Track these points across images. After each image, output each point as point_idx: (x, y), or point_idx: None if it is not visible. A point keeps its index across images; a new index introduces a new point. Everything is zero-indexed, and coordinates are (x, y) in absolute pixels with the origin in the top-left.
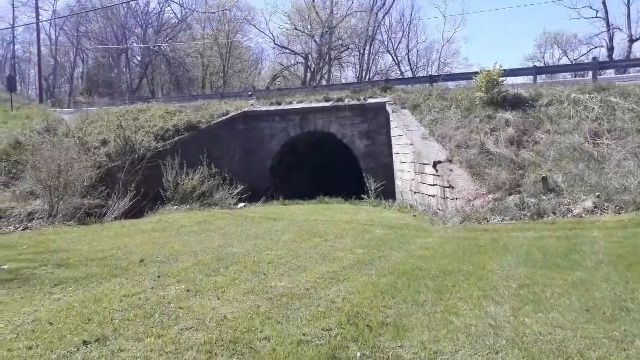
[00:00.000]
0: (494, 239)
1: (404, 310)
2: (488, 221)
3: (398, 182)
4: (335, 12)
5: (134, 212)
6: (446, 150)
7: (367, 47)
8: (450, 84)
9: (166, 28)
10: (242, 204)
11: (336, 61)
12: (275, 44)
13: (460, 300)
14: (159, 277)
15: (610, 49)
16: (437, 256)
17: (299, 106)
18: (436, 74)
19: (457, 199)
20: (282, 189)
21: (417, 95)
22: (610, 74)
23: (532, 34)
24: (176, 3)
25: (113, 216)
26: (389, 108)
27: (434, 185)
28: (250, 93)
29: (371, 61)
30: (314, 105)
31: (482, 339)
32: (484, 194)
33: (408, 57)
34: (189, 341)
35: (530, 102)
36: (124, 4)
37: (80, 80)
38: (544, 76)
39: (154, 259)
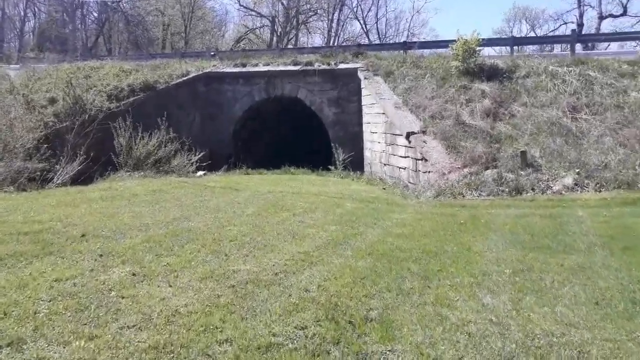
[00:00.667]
0: (473, 216)
1: (389, 301)
2: (464, 196)
3: (367, 153)
4: None
5: (84, 178)
6: (420, 120)
7: (336, 13)
8: (425, 52)
9: None
10: (201, 172)
11: (303, 26)
12: (240, 5)
13: (450, 288)
14: (100, 255)
15: (580, 25)
16: (416, 234)
17: (265, 68)
18: (410, 41)
19: (430, 172)
20: (245, 157)
21: (390, 62)
22: (578, 49)
23: (501, 7)
24: None
25: (59, 181)
26: (360, 74)
27: (405, 157)
28: (212, 53)
29: (339, 27)
30: (281, 68)
31: (486, 341)
32: (459, 167)
33: (377, 25)
34: (129, 345)
35: (507, 74)
36: None
37: (31, 35)
38: (516, 48)
39: (97, 233)
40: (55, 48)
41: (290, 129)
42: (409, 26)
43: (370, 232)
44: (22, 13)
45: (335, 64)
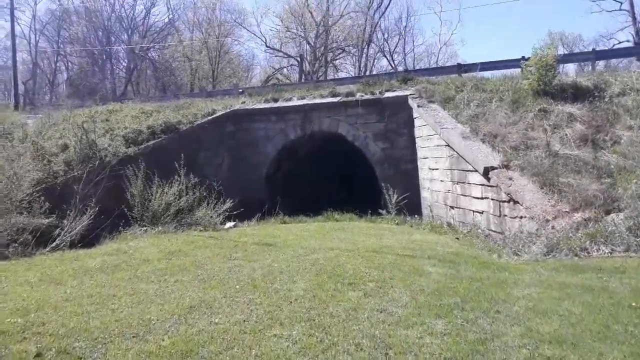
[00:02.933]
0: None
1: None
2: (589, 252)
3: (425, 194)
4: (330, 12)
5: (95, 235)
6: (498, 152)
7: (364, 50)
8: (485, 75)
9: (152, 32)
10: (230, 223)
11: (331, 64)
12: (267, 46)
13: None
14: None
15: (638, 44)
16: (581, 336)
17: (300, 102)
18: (465, 63)
19: (522, 217)
20: (281, 203)
21: (446, 87)
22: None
23: (531, 34)
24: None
25: (61, 241)
26: (412, 102)
27: (482, 198)
28: (241, 90)
29: (368, 64)
30: (318, 101)
31: None
32: (567, 212)
33: (404, 60)
34: None
35: (595, 92)
36: (107, 8)
37: (63, 87)
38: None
39: (65, 346)
40: (86, 98)
41: (331, 169)
42: (436, 60)
43: (504, 336)
44: (54, 65)
45: (380, 92)
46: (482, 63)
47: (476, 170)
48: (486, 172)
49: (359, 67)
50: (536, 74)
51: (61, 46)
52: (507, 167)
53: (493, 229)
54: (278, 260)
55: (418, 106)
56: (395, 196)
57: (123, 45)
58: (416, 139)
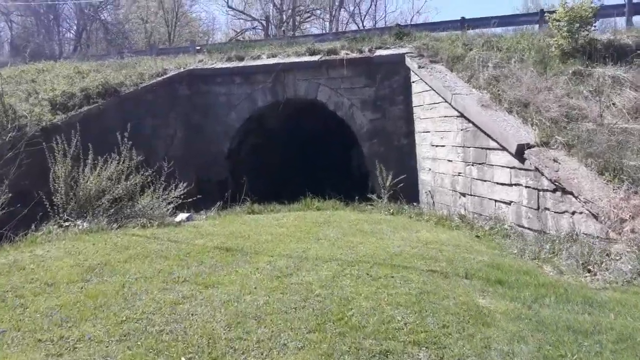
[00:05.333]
0: None
1: None
2: None
3: (424, 176)
4: None
5: (8, 228)
6: (530, 125)
7: (333, 14)
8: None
9: None
10: (183, 215)
11: (299, 29)
12: (229, 7)
13: None
14: None
15: None
16: None
17: (270, 61)
18: (470, 17)
19: (576, 212)
20: (247, 185)
21: (452, 44)
22: None
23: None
24: None
25: None
26: (410, 62)
27: (511, 184)
28: (199, 47)
29: (339, 30)
30: (293, 59)
31: None
32: None
33: (375, 27)
34: None
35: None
36: None
37: (6, 47)
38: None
39: None
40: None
41: (307, 144)
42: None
43: None
44: None
45: (370, 50)
46: (496, 17)
47: (503, 148)
48: (520, 151)
49: (330, 32)
50: (565, 29)
51: (1, 3)
52: (546, 144)
53: (527, 225)
54: (249, 285)
55: (419, 67)
56: (389, 178)
57: (70, 3)
58: (414, 109)
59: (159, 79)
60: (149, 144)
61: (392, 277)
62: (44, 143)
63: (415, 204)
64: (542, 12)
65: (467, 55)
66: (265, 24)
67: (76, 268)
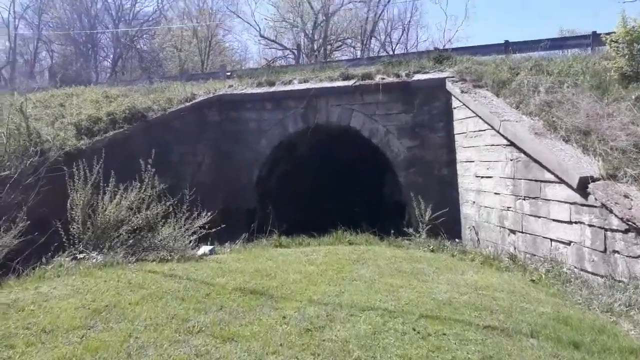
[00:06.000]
0: None
1: None
2: None
3: (467, 210)
4: (330, 3)
5: (24, 258)
6: (593, 156)
7: (365, 43)
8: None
9: (140, 20)
10: (206, 248)
11: (330, 58)
12: (261, 36)
13: None
14: None
15: None
16: None
17: (302, 86)
18: (514, 41)
19: None
20: (274, 215)
21: (496, 68)
22: None
23: (543, 30)
24: None
25: None
26: (452, 87)
27: (571, 222)
28: (229, 73)
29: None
30: (326, 84)
31: None
32: None
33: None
34: None
35: None
36: None
37: (46, 75)
38: None
39: None
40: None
41: (340, 172)
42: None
43: None
44: (33, 53)
45: (407, 74)
46: (544, 40)
47: (561, 181)
48: (583, 185)
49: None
50: (626, 50)
51: (43, 32)
52: (613, 177)
53: (590, 269)
54: (274, 340)
55: (462, 92)
56: (428, 211)
57: (108, 33)
58: (455, 136)
59: (187, 104)
60: (175, 171)
61: (444, 334)
62: (65, 168)
63: (457, 240)
64: (595, 34)
65: (515, 79)
66: (296, 53)
67: (81, 310)
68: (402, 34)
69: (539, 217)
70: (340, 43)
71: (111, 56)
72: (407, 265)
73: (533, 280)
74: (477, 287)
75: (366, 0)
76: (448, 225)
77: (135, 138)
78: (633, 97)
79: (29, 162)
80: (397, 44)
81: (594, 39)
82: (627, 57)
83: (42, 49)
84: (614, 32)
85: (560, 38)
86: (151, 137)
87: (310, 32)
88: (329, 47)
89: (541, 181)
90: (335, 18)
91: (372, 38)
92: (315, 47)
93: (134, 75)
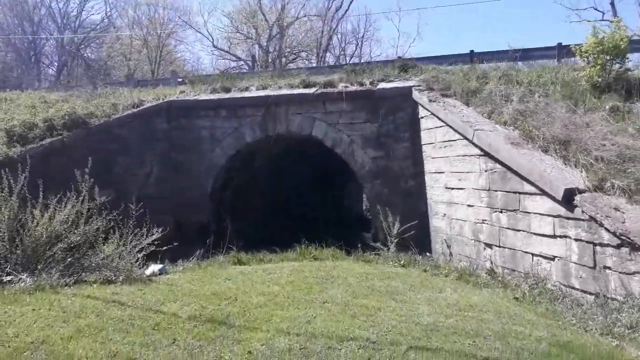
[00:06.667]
0: None
1: None
2: None
3: (438, 223)
4: (285, 13)
5: None
6: (575, 167)
7: (320, 56)
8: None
9: (86, 27)
10: (155, 267)
11: (285, 71)
12: (215, 47)
13: None
14: None
15: None
16: None
17: (260, 93)
18: (479, 51)
19: None
20: (232, 229)
21: (466, 77)
22: None
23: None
24: None
25: None
26: (418, 96)
27: (555, 236)
28: (180, 79)
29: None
30: (286, 92)
31: None
32: None
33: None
34: None
35: None
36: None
37: None
38: None
39: None
40: None
41: (302, 184)
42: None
43: None
44: None
45: (372, 83)
46: (510, 50)
47: (543, 193)
48: (569, 197)
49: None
50: (598, 61)
51: None
52: (600, 189)
53: (578, 286)
54: None
55: (430, 101)
56: (396, 224)
57: (52, 40)
58: (423, 146)
59: (134, 110)
60: (120, 182)
61: None
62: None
63: (428, 254)
64: (561, 45)
65: (484, 88)
66: (251, 64)
67: None
68: (355, 49)
69: (518, 230)
70: (295, 56)
71: (56, 64)
72: (379, 282)
73: (517, 298)
74: (460, 307)
75: (321, 14)
76: (417, 239)
77: (75, 146)
78: (607, 107)
79: None
80: (352, 57)
81: (560, 50)
82: (598, 67)
83: None
84: (583, 43)
85: (525, 49)
86: (93, 145)
87: (265, 44)
88: (284, 59)
89: (520, 193)
90: (290, 31)
91: (327, 52)
92: (270, 59)
93: (80, 84)
